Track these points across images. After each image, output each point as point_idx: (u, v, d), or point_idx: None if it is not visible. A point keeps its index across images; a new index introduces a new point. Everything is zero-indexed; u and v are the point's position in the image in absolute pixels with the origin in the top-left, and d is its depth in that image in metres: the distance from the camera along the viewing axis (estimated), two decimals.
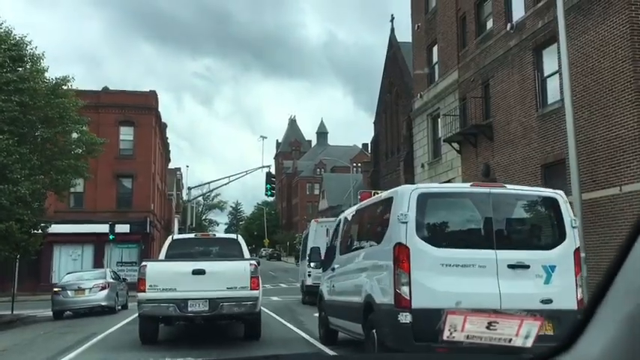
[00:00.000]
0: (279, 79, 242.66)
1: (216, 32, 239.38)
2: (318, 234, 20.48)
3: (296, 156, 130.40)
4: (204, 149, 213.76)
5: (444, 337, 2.46)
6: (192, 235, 15.56)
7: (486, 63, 21.52)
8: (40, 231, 20.73)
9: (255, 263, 11.42)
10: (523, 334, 1.82)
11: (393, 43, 53.04)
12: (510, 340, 1.83)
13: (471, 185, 8.07)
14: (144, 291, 10.89)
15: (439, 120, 26.22)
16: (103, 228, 36.06)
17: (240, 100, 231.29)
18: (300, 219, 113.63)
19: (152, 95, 41.73)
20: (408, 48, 52.45)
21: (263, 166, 36.37)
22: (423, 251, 6.90)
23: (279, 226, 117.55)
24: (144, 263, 11.80)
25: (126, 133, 40.35)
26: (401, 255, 6.89)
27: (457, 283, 6.79)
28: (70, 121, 20.36)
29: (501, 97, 20.54)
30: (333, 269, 10.25)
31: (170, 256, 12.64)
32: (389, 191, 8.30)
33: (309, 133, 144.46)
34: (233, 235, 14.48)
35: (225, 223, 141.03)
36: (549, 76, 18.19)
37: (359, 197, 16.79)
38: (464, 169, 23.47)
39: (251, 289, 10.94)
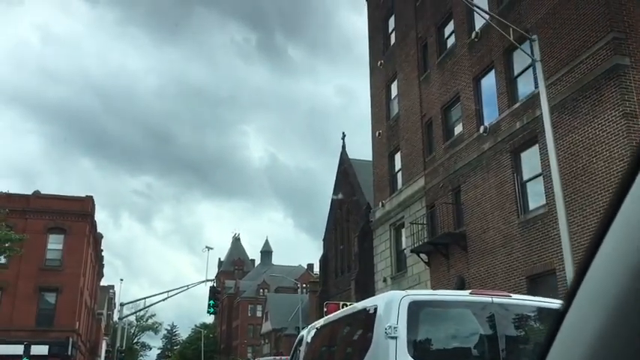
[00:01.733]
0: (220, 199, 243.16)
1: (158, 151, 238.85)
2: None
3: (239, 275, 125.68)
4: (140, 268, 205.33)
5: None
6: None
7: (457, 168, 20.11)
8: None
9: None
10: None
11: (344, 159, 52.56)
12: None
13: (470, 293, 6.58)
14: None
15: (403, 230, 24.34)
16: (17, 349, 31.16)
17: (181, 218, 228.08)
18: (240, 342, 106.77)
19: (88, 201, 38.48)
20: (359, 165, 51.94)
21: (207, 280, 33.03)
22: None
23: (217, 351, 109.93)
24: None
25: (55, 242, 36.46)
26: None
27: None
28: None
29: (476, 203, 18.90)
30: None
31: None
32: (370, 299, 6.88)
33: (252, 253, 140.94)
34: None
35: (159, 348, 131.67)
36: (531, 179, 16.74)
37: (325, 310, 15.67)
38: (433, 282, 21.22)
39: None
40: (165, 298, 34.00)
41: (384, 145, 26.71)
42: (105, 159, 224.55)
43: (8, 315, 34.08)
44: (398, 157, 25.25)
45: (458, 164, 20.11)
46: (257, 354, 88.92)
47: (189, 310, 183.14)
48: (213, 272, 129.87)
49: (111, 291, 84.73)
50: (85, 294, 39.21)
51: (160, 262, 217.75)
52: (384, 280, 25.20)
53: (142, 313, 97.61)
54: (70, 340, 33.41)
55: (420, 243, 21.47)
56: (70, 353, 33.39)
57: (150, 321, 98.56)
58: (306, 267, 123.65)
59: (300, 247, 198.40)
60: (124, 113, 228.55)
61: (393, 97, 26.39)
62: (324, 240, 61.32)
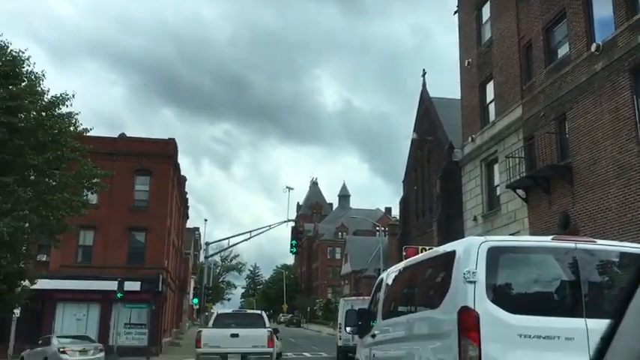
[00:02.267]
0: (296, 144, 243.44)
1: (235, 99, 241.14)
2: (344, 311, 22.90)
3: (317, 219, 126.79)
4: (221, 213, 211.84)
5: None
6: (230, 311, 22.58)
7: (562, 94, 18.01)
8: (26, 282, 17.08)
9: (272, 330, 17.72)
10: None
11: (424, 98, 50.27)
12: None
13: (553, 239, 6.40)
14: (200, 347, 16.73)
15: (496, 166, 22.59)
16: (112, 285, 32.35)
17: (258, 164, 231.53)
18: (320, 283, 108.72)
19: (170, 143, 38.81)
20: (439, 103, 49.50)
21: (288, 220, 32.74)
22: (497, 318, 5.63)
23: (299, 290, 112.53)
24: (200, 330, 18.22)
25: (141, 183, 37.19)
26: (468, 322, 5.66)
27: (539, 359, 5.54)
28: (65, 147, 16.97)
29: (585, 132, 16.89)
30: (374, 336, 8.84)
31: (216, 325, 17.82)
32: (449, 244, 6.87)
33: (329, 198, 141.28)
34: (258, 311, 20.41)
35: (243, 287, 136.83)
36: None
37: (404, 254, 16.50)
38: (532, 220, 19.58)
39: (267, 347, 17.02)
40: (248, 238, 34.19)
41: (474, 74, 24.67)
42: (184, 108, 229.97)
43: (102, 254, 35.40)
44: (490, 86, 23.23)
45: (563, 89, 18.01)
46: (337, 294, 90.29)
47: (271, 253, 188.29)
48: (292, 214, 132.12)
49: (196, 233, 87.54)
50: (172, 234, 40.18)
51: (240, 206, 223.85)
52: (474, 219, 23.74)
53: (226, 253, 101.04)
54: (160, 276, 34.38)
55: (517, 178, 19.76)
56: (160, 289, 34.44)
57: (234, 261, 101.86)
58: (384, 210, 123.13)
59: (376, 192, 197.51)
60: (200, 62, 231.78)
61: (484, 20, 24.12)
62: (403, 182, 59.93)
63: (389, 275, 9.16)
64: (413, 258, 8.82)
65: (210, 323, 18.74)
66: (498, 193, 22.35)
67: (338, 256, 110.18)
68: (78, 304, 34.66)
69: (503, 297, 5.84)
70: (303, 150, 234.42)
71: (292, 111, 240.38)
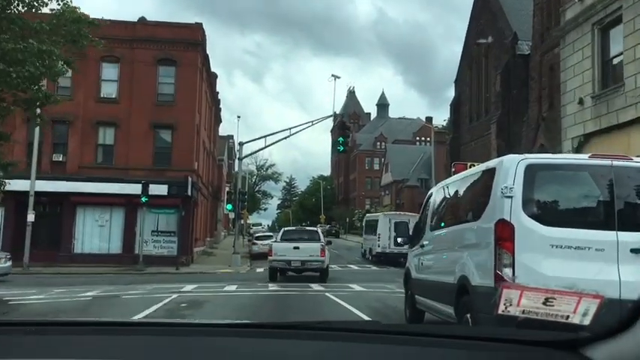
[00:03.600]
0: (328, 56, 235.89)
1: (265, 8, 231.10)
2: (383, 223, 33.01)
3: (355, 129, 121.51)
4: (255, 126, 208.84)
5: (499, 311, 1.75)
6: (293, 228, 28.17)
7: None
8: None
9: (324, 244, 22.37)
10: (581, 311, 1.58)
11: None
12: (568, 317, 1.57)
13: (590, 157, 6.65)
14: (271, 255, 21.76)
15: (617, 28, 16.81)
16: (136, 188, 28.46)
17: (290, 77, 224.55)
18: (357, 195, 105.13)
19: (198, 28, 33.44)
20: None
21: (333, 114, 27.70)
22: (530, 230, 6.03)
23: (336, 202, 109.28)
24: (272, 243, 23.86)
25: (166, 75, 32.32)
26: (504, 233, 6.07)
27: (569, 268, 5.86)
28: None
29: None
30: (422, 246, 9.41)
31: (283, 239, 22.87)
32: (491, 162, 7.43)
33: (366, 108, 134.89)
34: (315, 228, 27.66)
35: (279, 199, 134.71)
36: None
37: (452, 169, 16.27)
38: None
39: (321, 257, 21.42)
40: (288, 136, 29.52)
41: None
42: (214, 17, 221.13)
43: (125, 154, 31.27)
44: None
45: None
46: (376, 205, 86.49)
47: (305, 167, 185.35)
48: (327, 129, 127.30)
49: (230, 141, 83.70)
50: (202, 133, 35.69)
51: (273, 119, 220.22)
52: (580, 102, 18.24)
53: (261, 162, 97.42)
54: (190, 179, 30.22)
55: None
56: (189, 193, 30.40)
57: (270, 170, 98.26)
58: (424, 120, 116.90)
59: (411, 104, 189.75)
60: None
61: None
62: (455, 82, 53.76)
63: (437, 191, 9.57)
64: (459, 174, 9.32)
65: (278, 238, 23.67)
66: (618, 64, 16.71)
67: (376, 166, 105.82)
68: (100, 208, 31.00)
69: (538, 211, 6.22)
70: (336, 62, 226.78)
71: (325, 21, 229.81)
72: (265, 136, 30.27)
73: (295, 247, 21.31)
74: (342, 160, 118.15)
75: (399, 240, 12.19)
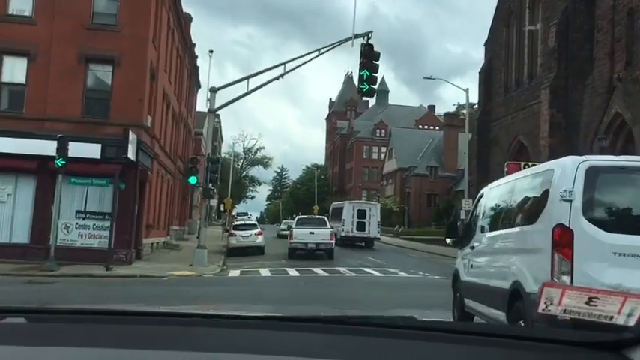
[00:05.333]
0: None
1: (257, 1, 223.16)
2: (348, 211, 36.45)
3: (352, 116, 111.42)
4: (245, 118, 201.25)
5: (539, 310, 1.79)
6: (306, 216, 32.18)
7: None
8: None
9: (333, 231, 27.60)
10: (626, 311, 1.54)
11: None
12: (611, 318, 1.53)
13: None
14: (292, 238, 26.46)
15: None
16: (54, 148, 18.41)
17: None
18: (354, 186, 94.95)
19: None
20: None
21: (355, 36, 17.62)
22: (591, 236, 5.70)
23: (329, 193, 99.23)
24: (291, 228, 27.96)
25: None
26: (562, 238, 5.75)
27: (633, 277, 5.42)
28: None
29: None
30: (472, 247, 8.92)
31: (298, 226, 27.11)
32: (548, 163, 7.34)
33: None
34: (323, 217, 31.30)
35: (269, 189, 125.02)
36: None
37: (505, 170, 16.04)
38: None
39: (330, 240, 26.10)
40: (282, 75, 19.31)
41: None
42: (204, 8, 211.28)
43: (41, 97, 21.00)
44: None
45: None
46: (378, 196, 76.44)
47: (297, 160, 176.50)
48: (323, 114, 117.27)
49: (216, 120, 73.42)
50: (161, 79, 25.31)
51: (264, 112, 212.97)
52: None
53: (249, 145, 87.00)
54: (132, 136, 19.97)
55: None
56: (133, 157, 20.15)
57: (259, 154, 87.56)
58: (427, 108, 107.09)
59: (402, 101, 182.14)
60: None
61: None
62: (485, 44, 43.64)
63: (489, 191, 9.16)
64: (512, 175, 8.99)
65: (294, 225, 27.93)
66: None
67: (375, 155, 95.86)
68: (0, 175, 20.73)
69: (599, 216, 5.90)
70: (326, 56, 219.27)
71: (316, 15, 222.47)
72: (248, 77, 20.05)
73: (311, 232, 25.93)
74: (337, 149, 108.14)
75: (448, 241, 10.44)
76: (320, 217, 31.21)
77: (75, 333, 1.47)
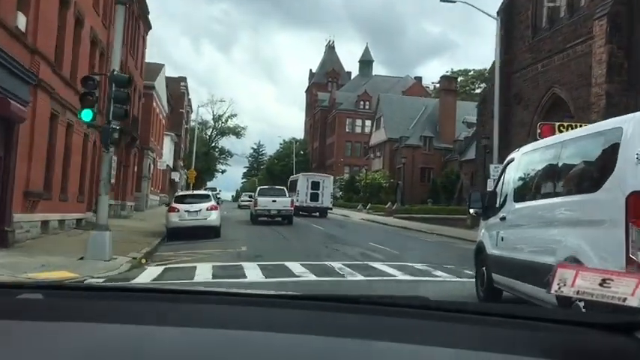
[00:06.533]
0: (297, 30, 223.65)
1: None
2: (302, 182, 38.52)
3: (334, 87, 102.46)
4: (222, 96, 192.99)
5: (551, 291, 1.69)
6: (267, 186, 33.79)
7: None
8: None
9: (292, 200, 30.45)
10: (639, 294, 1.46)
11: None
12: (625, 300, 1.47)
13: None
14: (256, 206, 28.28)
15: None
16: None
17: (259, 49, 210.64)
18: (336, 161, 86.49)
19: None
20: None
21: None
22: None
23: (309, 169, 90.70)
24: (256, 197, 29.17)
25: None
26: (639, 208, 4.88)
27: None
28: None
29: None
30: (503, 218, 7.93)
31: (260, 195, 29.10)
32: (611, 120, 5.89)
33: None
34: (282, 187, 32.37)
35: (245, 167, 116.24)
36: None
37: (539, 132, 14.14)
38: None
39: (290, 207, 28.64)
40: None
41: None
42: None
43: None
44: None
45: None
46: (363, 170, 68.05)
47: (274, 138, 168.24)
48: (302, 88, 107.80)
49: (182, 84, 64.71)
50: None
51: (241, 91, 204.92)
52: None
53: (219, 111, 77.56)
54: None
55: None
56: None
57: (230, 122, 77.97)
58: (414, 78, 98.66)
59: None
60: None
61: None
62: None
63: (523, 155, 8.13)
64: (555, 137, 8.12)
65: (256, 194, 29.59)
66: None
67: (358, 129, 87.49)
68: None
69: None
70: (304, 36, 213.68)
71: None
72: None
73: (273, 200, 28.18)
74: (317, 122, 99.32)
75: (471, 211, 9.59)
76: (280, 187, 32.66)
77: (91, 309, 1.48)
